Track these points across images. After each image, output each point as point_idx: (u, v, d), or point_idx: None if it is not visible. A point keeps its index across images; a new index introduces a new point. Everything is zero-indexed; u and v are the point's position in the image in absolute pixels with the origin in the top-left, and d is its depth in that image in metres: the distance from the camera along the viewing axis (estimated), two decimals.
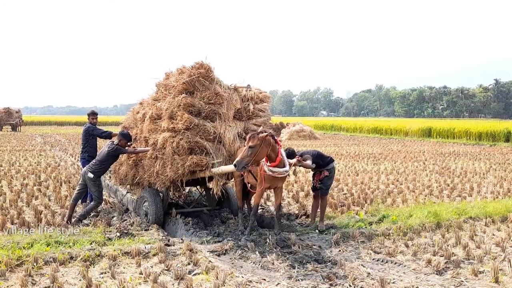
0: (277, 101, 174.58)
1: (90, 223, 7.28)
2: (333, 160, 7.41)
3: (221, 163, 6.69)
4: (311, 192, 10.26)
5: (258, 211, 7.33)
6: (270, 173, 6.10)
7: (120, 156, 7.81)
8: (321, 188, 7.20)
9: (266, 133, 5.94)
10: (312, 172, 7.57)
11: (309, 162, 6.85)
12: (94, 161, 7.56)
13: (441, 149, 23.25)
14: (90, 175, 7.34)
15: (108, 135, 8.67)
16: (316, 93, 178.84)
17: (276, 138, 6.18)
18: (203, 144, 6.70)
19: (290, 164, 6.32)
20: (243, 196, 7.48)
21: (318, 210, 7.36)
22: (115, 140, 7.74)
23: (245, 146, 5.99)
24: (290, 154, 6.88)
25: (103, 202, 8.93)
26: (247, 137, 5.99)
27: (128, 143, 7.63)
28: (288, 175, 6.76)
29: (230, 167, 6.35)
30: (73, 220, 7.31)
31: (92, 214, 7.80)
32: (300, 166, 7.08)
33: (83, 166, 8.21)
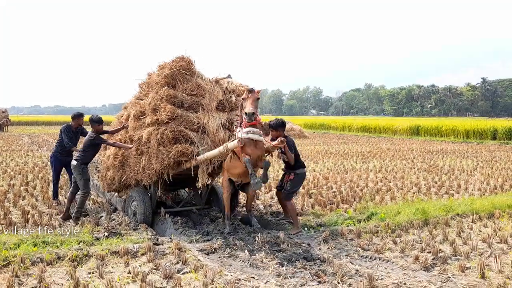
0: (267, 100, 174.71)
1: (78, 223, 7.24)
2: (305, 166, 7.27)
3: (206, 150, 6.69)
4: (300, 190, 10.31)
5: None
6: (248, 135, 6.10)
7: (106, 159, 7.92)
8: (284, 192, 7.08)
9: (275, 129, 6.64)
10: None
11: (291, 155, 6.73)
12: (79, 150, 7.78)
13: (429, 147, 23.46)
14: (74, 162, 7.54)
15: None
16: (306, 92, 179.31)
17: None
18: (187, 133, 6.75)
19: (274, 146, 6.40)
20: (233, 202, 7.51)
21: (307, 208, 7.35)
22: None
23: (248, 99, 6.20)
24: (279, 125, 6.84)
25: (93, 202, 8.92)
26: (247, 91, 6.24)
27: (101, 126, 7.69)
28: (271, 154, 6.80)
29: (214, 151, 6.39)
30: (72, 220, 7.42)
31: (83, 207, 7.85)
32: (280, 150, 6.85)
33: (50, 160, 9.10)
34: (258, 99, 6.28)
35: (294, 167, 7.01)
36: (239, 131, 6.26)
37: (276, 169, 13.39)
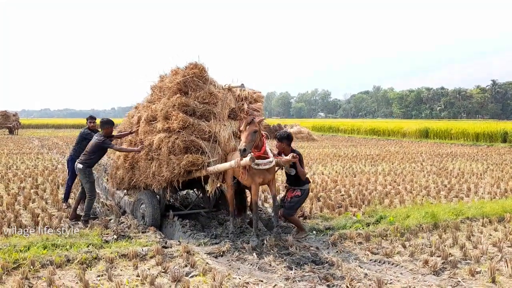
0: (275, 103, 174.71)
1: (88, 226, 7.29)
2: (309, 181, 7.02)
3: (216, 161, 6.68)
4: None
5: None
6: (255, 166, 5.98)
7: (116, 159, 7.94)
8: (284, 209, 6.73)
9: (260, 118, 6.17)
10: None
11: (302, 169, 6.53)
12: (83, 152, 7.79)
13: (438, 150, 23.31)
14: (79, 165, 7.61)
15: None
16: (314, 95, 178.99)
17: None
18: (198, 143, 6.72)
19: (285, 161, 6.32)
20: (240, 201, 7.49)
21: (315, 211, 7.31)
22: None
23: (244, 132, 5.91)
24: (283, 137, 6.70)
25: (102, 205, 8.98)
26: (245, 123, 5.93)
27: (111, 129, 7.86)
28: (279, 167, 6.68)
29: (226, 165, 6.34)
30: (81, 224, 7.53)
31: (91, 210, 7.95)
32: (291, 166, 6.64)
33: (68, 164, 9.03)
34: (256, 131, 5.94)
35: (300, 183, 6.76)
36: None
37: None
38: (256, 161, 5.97)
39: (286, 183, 6.99)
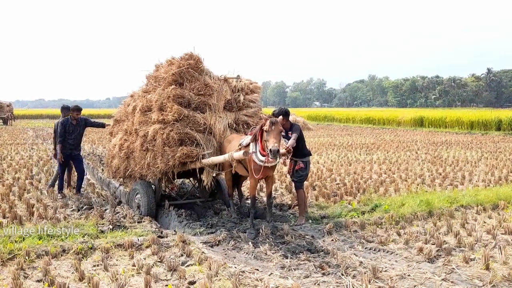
0: (270, 92, 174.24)
1: (83, 215, 7.28)
2: (311, 154, 7.23)
3: (211, 154, 6.68)
4: (304, 183, 10.31)
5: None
6: (261, 163, 5.98)
7: (112, 148, 8.09)
8: (294, 181, 7.08)
9: (278, 117, 6.31)
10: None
11: (293, 140, 6.45)
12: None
13: (433, 138, 23.38)
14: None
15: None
16: (309, 84, 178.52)
17: None
18: (193, 135, 6.69)
19: (281, 154, 6.31)
20: (234, 184, 7.51)
21: (311, 200, 7.33)
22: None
23: (271, 132, 5.71)
24: (282, 114, 6.69)
25: (97, 195, 8.99)
26: (270, 123, 5.72)
27: None
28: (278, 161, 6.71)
29: (220, 158, 6.35)
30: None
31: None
32: (286, 137, 6.74)
33: None
34: (281, 131, 5.90)
35: (301, 154, 6.89)
36: (253, 151, 5.96)
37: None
38: (264, 158, 5.88)
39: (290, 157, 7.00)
